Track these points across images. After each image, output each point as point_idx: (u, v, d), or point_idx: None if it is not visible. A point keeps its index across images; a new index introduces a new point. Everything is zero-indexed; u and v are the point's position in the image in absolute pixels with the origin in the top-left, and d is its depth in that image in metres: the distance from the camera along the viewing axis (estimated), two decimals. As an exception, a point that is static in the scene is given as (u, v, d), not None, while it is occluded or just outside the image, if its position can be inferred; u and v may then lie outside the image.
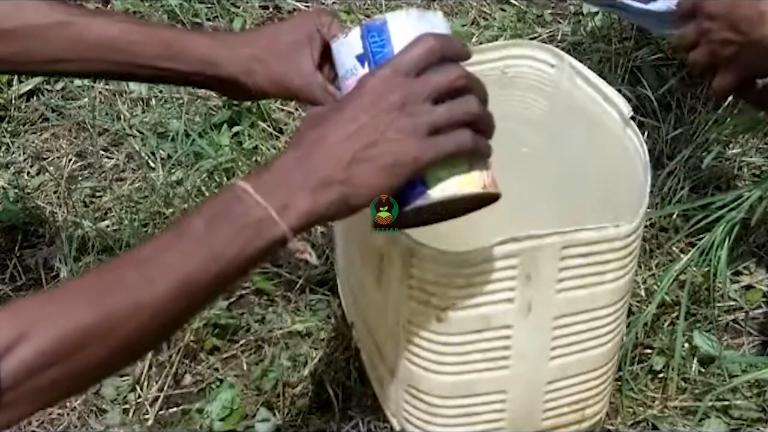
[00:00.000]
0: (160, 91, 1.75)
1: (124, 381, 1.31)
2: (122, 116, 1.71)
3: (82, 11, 1.05)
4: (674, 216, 1.47)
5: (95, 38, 1.03)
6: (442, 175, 0.81)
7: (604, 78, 1.17)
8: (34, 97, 1.77)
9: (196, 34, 1.07)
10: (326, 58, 0.99)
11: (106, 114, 1.72)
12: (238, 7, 1.96)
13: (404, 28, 0.81)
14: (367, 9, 1.94)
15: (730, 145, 1.60)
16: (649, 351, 1.32)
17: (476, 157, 0.83)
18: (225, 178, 1.54)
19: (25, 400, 0.71)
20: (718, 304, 1.37)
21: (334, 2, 1.97)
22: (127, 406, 1.29)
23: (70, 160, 1.65)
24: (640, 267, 1.40)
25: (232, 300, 1.40)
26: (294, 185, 0.78)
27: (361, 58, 0.82)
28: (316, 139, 0.79)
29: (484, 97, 0.83)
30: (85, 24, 1.03)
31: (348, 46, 0.83)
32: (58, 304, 0.74)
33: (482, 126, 0.82)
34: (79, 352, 0.72)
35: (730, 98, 1.52)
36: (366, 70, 0.82)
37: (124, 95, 1.75)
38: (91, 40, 1.03)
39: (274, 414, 1.26)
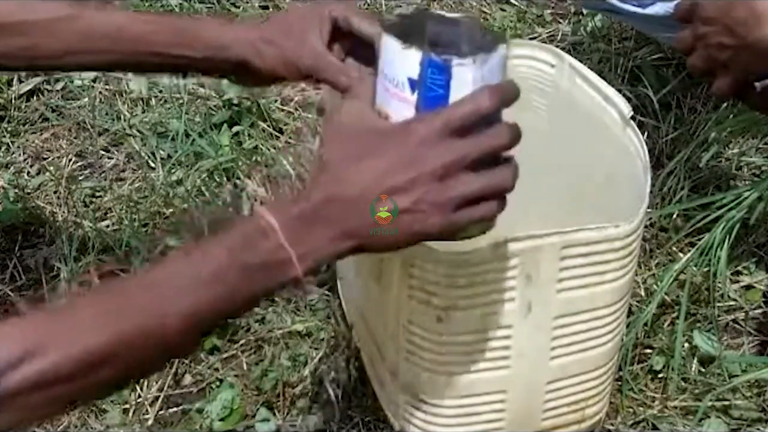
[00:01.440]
0: (160, 91, 1.75)
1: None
2: (122, 116, 1.71)
3: (89, 5, 1.05)
4: (674, 216, 1.47)
5: (105, 29, 1.02)
6: None
7: (604, 78, 1.17)
8: (34, 97, 1.77)
9: (205, 20, 1.07)
10: (335, 39, 0.99)
11: (106, 114, 1.72)
12: (238, 7, 1.96)
13: (465, 77, 0.77)
14: (366, 9, 1.94)
15: (730, 145, 1.60)
16: (649, 351, 1.32)
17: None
18: (225, 178, 1.54)
19: (22, 415, 0.71)
20: (718, 304, 1.37)
21: (333, 2, 1.97)
22: (127, 406, 1.28)
23: (70, 160, 1.65)
24: (640, 267, 1.40)
25: (232, 300, 1.40)
26: (319, 233, 0.77)
27: (412, 84, 0.78)
28: (347, 177, 0.77)
29: (516, 171, 0.80)
30: (93, 16, 1.03)
31: (403, 61, 0.78)
32: (66, 324, 0.74)
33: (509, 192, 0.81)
34: (83, 375, 0.72)
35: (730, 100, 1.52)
36: (414, 97, 0.78)
37: (124, 95, 1.75)
38: (101, 30, 1.02)
39: (274, 414, 1.26)
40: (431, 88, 0.77)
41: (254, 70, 1.01)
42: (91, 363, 0.72)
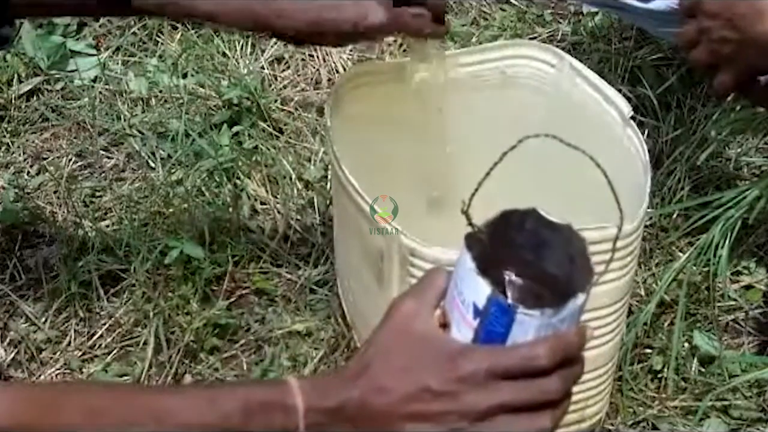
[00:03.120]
0: (160, 91, 1.75)
1: (124, 381, 1.31)
2: (122, 116, 1.71)
3: None
4: (674, 215, 1.47)
5: None
6: None
7: (604, 78, 1.17)
8: (34, 97, 1.77)
9: None
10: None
11: (106, 114, 1.72)
12: None
13: (528, 325, 0.73)
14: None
15: (730, 145, 1.60)
16: (649, 351, 1.32)
17: None
18: (225, 178, 1.54)
19: None
20: (718, 304, 1.37)
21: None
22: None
23: (70, 159, 1.65)
24: (640, 266, 1.40)
25: (232, 300, 1.40)
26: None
27: (476, 311, 0.74)
28: (385, 386, 0.75)
29: (562, 414, 0.76)
30: None
31: (473, 285, 0.74)
32: (66, 417, 0.74)
33: None
34: None
35: (730, 97, 1.52)
36: (475, 324, 0.74)
37: (124, 95, 1.75)
38: None
39: None
40: (492, 323, 0.74)
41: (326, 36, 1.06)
42: None
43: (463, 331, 0.75)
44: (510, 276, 0.76)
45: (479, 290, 0.73)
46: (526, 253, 0.77)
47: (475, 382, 0.73)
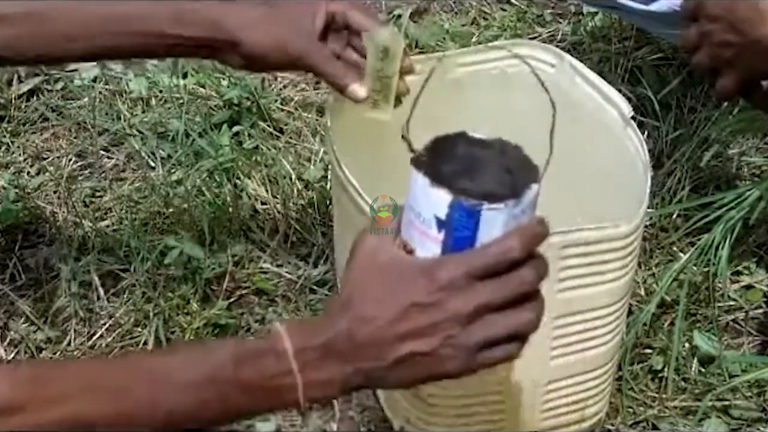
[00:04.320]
0: (160, 91, 1.75)
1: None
2: (122, 116, 1.71)
3: None
4: (674, 216, 1.47)
5: (104, 13, 1.02)
6: None
7: (604, 78, 1.17)
8: (34, 97, 1.77)
9: (203, 1, 1.07)
10: (331, 31, 1.00)
11: (106, 114, 1.72)
12: None
13: (495, 221, 0.75)
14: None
15: (731, 145, 1.60)
16: (649, 351, 1.32)
17: None
18: (225, 178, 1.54)
19: None
20: (718, 304, 1.37)
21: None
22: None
23: (70, 159, 1.65)
24: (640, 267, 1.40)
25: (232, 300, 1.40)
26: (332, 367, 0.76)
27: (439, 223, 0.75)
28: (369, 315, 0.76)
29: (542, 309, 0.78)
30: (92, 1, 1.03)
31: (430, 200, 0.75)
32: (51, 389, 0.74)
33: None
34: None
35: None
36: (441, 236, 0.75)
37: (124, 95, 1.75)
38: (100, 13, 1.02)
39: (275, 414, 1.26)
40: (459, 229, 0.75)
41: (247, 51, 1.01)
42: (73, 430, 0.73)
43: (430, 248, 0.76)
44: (464, 183, 0.76)
45: (439, 202, 0.74)
46: (469, 166, 0.78)
47: (457, 288, 0.74)
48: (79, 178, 1.63)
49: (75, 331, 1.37)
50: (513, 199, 0.75)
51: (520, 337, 0.77)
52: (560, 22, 1.89)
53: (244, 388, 0.76)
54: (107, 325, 1.37)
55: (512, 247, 0.74)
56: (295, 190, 1.53)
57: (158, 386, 0.75)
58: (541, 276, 0.77)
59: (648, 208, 1.05)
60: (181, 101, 1.70)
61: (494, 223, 0.75)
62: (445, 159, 0.77)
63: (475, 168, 0.78)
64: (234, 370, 0.76)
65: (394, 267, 0.77)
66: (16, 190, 1.58)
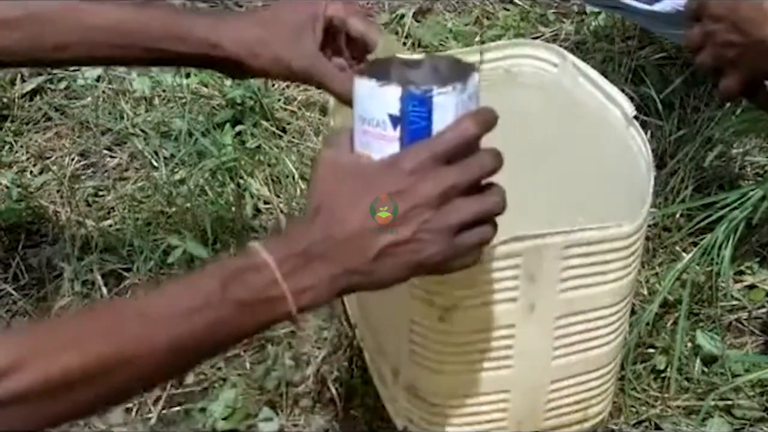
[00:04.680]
0: (163, 91, 1.75)
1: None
2: (125, 115, 1.71)
3: None
4: (677, 215, 1.47)
5: (102, 22, 1.02)
6: None
7: (607, 77, 1.17)
8: (38, 96, 1.77)
9: (199, 16, 1.06)
10: (330, 37, 0.99)
11: (109, 113, 1.73)
12: (241, 6, 1.96)
13: (447, 106, 0.78)
14: (369, 8, 1.94)
15: (734, 145, 1.60)
16: (652, 350, 1.32)
17: None
18: (228, 178, 1.54)
19: (8, 424, 0.71)
20: (721, 304, 1.37)
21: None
22: (129, 404, 1.29)
23: (73, 159, 1.65)
24: (643, 266, 1.40)
25: (234, 299, 1.40)
26: (317, 271, 0.77)
27: (394, 120, 0.78)
28: (343, 215, 0.77)
29: (504, 194, 0.81)
30: (91, 9, 1.03)
31: (381, 100, 0.78)
32: (49, 342, 0.74)
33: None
34: (60, 394, 0.72)
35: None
36: (397, 133, 0.78)
37: (127, 94, 1.76)
38: (98, 24, 1.02)
39: (277, 413, 1.27)
40: (414, 121, 0.78)
41: (247, 68, 1.01)
42: (69, 383, 0.72)
43: (389, 149, 0.79)
44: (410, 77, 0.80)
45: (389, 99, 0.77)
46: (411, 71, 0.82)
47: (423, 172, 0.77)
48: (82, 177, 1.63)
49: (78, 330, 1.37)
50: (460, 83, 0.78)
51: (490, 220, 0.80)
52: (563, 22, 1.89)
53: (236, 307, 0.76)
54: (110, 324, 1.37)
55: (467, 127, 0.78)
56: (298, 190, 1.53)
57: (152, 321, 0.75)
58: (498, 163, 0.79)
59: (651, 207, 1.05)
60: (184, 101, 1.70)
61: (446, 109, 0.78)
62: (387, 68, 0.82)
63: (416, 68, 0.82)
64: (223, 292, 0.76)
65: (358, 170, 0.79)
66: (19, 190, 1.58)
